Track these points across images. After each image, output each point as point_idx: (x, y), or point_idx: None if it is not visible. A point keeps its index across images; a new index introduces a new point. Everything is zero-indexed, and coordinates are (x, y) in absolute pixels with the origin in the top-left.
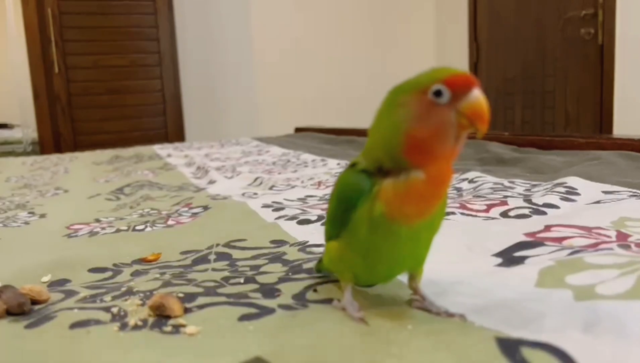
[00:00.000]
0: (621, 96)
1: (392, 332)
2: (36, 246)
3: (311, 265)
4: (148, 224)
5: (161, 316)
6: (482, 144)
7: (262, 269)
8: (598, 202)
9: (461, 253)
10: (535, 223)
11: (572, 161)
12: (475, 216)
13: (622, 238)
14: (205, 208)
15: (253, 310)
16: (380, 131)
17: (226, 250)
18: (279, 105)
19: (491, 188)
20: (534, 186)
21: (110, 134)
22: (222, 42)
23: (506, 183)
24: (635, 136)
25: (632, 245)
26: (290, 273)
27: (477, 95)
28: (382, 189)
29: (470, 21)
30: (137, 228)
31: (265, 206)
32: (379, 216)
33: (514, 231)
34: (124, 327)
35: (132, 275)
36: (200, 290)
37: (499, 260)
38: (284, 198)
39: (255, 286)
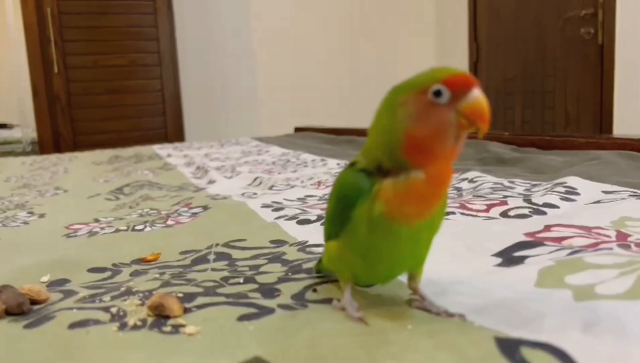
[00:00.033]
0: (621, 96)
1: (392, 331)
2: (35, 246)
3: (311, 264)
4: (147, 224)
5: (160, 316)
6: (482, 144)
7: (261, 269)
8: (598, 202)
9: (461, 253)
10: (535, 223)
11: (572, 161)
12: (475, 216)
13: (622, 238)
14: (205, 208)
15: (252, 310)
16: (380, 131)
17: (226, 249)
18: (278, 105)
19: (491, 188)
20: (534, 186)
21: (110, 134)
22: (221, 41)
23: (506, 183)
24: (635, 136)
25: (632, 245)
26: (289, 273)
27: (477, 95)
28: (382, 188)
29: (470, 21)
30: (136, 228)
31: (265, 206)
32: (378, 215)
33: (514, 231)
34: (123, 326)
35: (131, 275)
36: (199, 290)
37: (499, 260)
38: (284, 198)
39: (255, 286)
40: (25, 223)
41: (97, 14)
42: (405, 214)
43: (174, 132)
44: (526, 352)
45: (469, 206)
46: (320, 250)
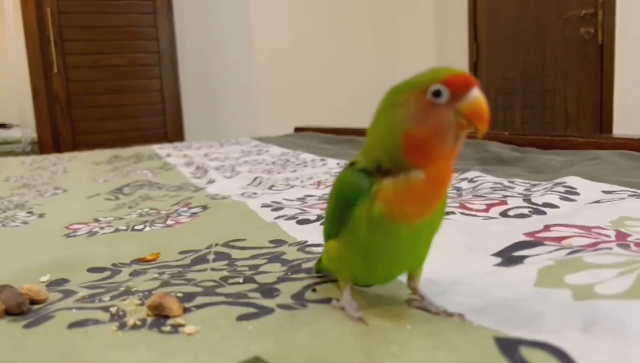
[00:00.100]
0: (621, 95)
1: (391, 331)
2: (35, 246)
3: (310, 264)
4: (147, 224)
5: (160, 316)
6: (481, 144)
7: (261, 269)
8: (598, 202)
9: (460, 253)
10: (535, 223)
11: (571, 160)
12: (475, 215)
13: (622, 238)
14: (205, 207)
15: (252, 310)
16: (379, 131)
17: (225, 249)
18: (278, 105)
19: (491, 188)
20: (534, 185)
21: (110, 134)
22: (221, 41)
23: (506, 183)
24: (635, 136)
25: (632, 245)
26: (289, 273)
27: (476, 95)
28: (381, 188)
29: (470, 21)
30: (136, 227)
31: (265, 205)
32: (378, 215)
33: (514, 231)
34: (122, 326)
35: (130, 274)
36: (199, 289)
37: (498, 260)
38: (283, 198)
39: (254, 286)
40: (25, 223)
41: (97, 13)
42: (405, 214)
43: (173, 132)
44: (525, 352)
45: (469, 205)
46: (319, 249)
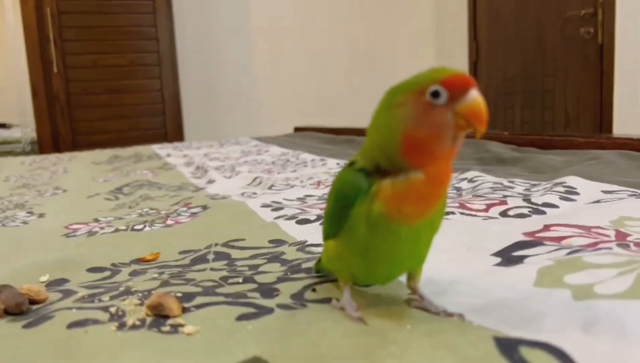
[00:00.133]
0: (621, 95)
1: (391, 331)
2: (35, 246)
3: (310, 264)
4: (147, 224)
5: (159, 316)
6: (481, 144)
7: (260, 269)
8: (597, 201)
9: (460, 253)
10: (535, 223)
11: (571, 160)
12: (475, 215)
13: (621, 238)
14: (204, 207)
15: (251, 310)
16: (378, 132)
17: (225, 249)
18: (278, 104)
19: (491, 188)
20: (534, 185)
21: (109, 134)
22: (221, 41)
23: (506, 183)
24: (634, 136)
25: (631, 244)
26: (289, 273)
27: (475, 96)
28: (380, 188)
29: (470, 20)
30: (135, 227)
31: (264, 205)
32: (377, 215)
33: (513, 231)
34: (122, 326)
35: (130, 274)
36: (198, 289)
37: (498, 260)
38: (283, 198)
39: (254, 285)
40: (25, 222)
41: (97, 13)
42: (404, 214)
43: (173, 132)
44: (525, 352)
45: (469, 205)
46: (319, 249)
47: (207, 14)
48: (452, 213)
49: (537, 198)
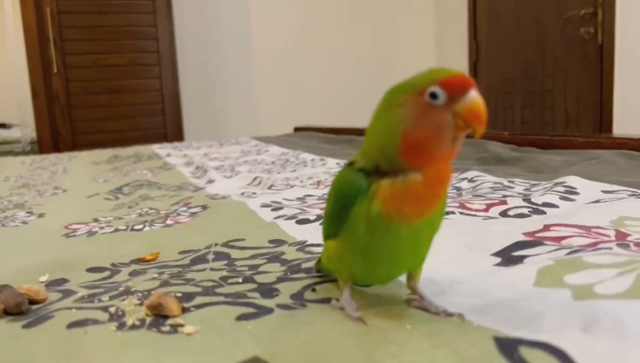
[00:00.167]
0: (621, 95)
1: (391, 331)
2: (34, 245)
3: (310, 264)
4: (147, 224)
5: (159, 316)
6: (481, 144)
7: (260, 269)
8: (597, 201)
9: (460, 253)
10: (535, 223)
11: (571, 160)
12: (475, 215)
13: (621, 238)
14: (204, 207)
15: (251, 310)
16: (377, 133)
17: (225, 249)
18: (278, 104)
19: (490, 188)
20: (534, 185)
21: (109, 134)
22: (221, 41)
23: (505, 183)
24: (634, 136)
25: (631, 244)
26: (288, 273)
27: (474, 96)
28: (380, 189)
29: (470, 21)
30: (135, 227)
31: (264, 205)
32: (376, 215)
33: (513, 231)
34: (121, 326)
35: (130, 274)
36: (198, 289)
37: (498, 260)
38: (283, 198)
39: (254, 285)
40: (24, 222)
41: (97, 13)
42: (404, 214)
43: (173, 131)
44: (525, 352)
45: (469, 205)
46: (319, 249)
47: (207, 14)
48: (452, 212)
49: (537, 198)
